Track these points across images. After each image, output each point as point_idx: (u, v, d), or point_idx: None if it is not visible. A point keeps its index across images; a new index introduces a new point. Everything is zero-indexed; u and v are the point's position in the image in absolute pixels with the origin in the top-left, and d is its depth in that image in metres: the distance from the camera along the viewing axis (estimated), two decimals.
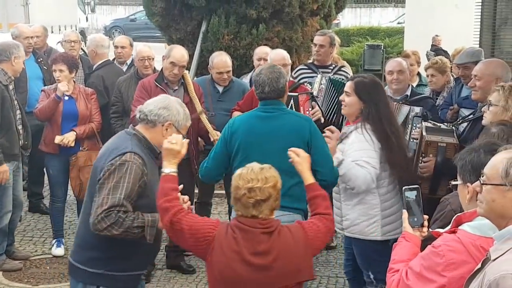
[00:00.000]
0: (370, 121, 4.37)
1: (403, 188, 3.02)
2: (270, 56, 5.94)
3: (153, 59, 6.37)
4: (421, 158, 4.74)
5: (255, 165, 3.18)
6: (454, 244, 2.57)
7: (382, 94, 4.54)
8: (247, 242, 3.12)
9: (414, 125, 5.20)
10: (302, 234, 3.25)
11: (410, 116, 5.33)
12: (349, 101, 4.49)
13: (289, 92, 5.72)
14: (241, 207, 3.13)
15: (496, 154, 2.45)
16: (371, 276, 4.49)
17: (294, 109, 5.60)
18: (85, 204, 3.67)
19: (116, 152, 3.53)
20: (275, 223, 3.17)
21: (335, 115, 6.16)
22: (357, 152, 4.31)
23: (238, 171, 3.19)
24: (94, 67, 7.03)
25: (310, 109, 5.63)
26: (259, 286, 3.15)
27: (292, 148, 3.65)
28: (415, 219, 2.95)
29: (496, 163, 2.38)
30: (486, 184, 2.39)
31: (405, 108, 5.39)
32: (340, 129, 6.13)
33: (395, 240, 3.38)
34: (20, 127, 5.86)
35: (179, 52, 5.68)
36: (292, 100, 5.65)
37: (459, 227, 2.65)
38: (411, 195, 2.98)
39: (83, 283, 3.61)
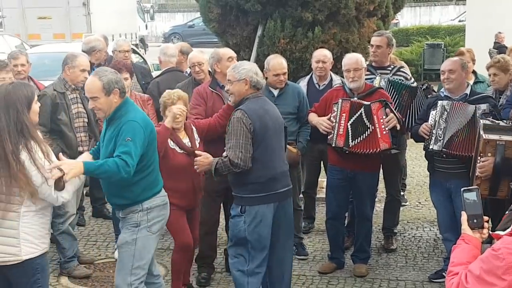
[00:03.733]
0: None
1: (462, 189, 2.95)
2: (344, 61, 5.90)
3: (204, 63, 6.40)
4: (479, 158, 4.61)
5: None
6: None
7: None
8: None
9: None
10: None
11: (477, 115, 5.22)
12: None
13: (364, 98, 5.70)
14: None
15: None
16: None
17: (366, 119, 5.58)
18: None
19: None
20: None
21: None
22: None
23: None
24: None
25: (384, 117, 5.58)
26: None
27: None
28: (475, 221, 2.88)
29: None
30: None
31: (470, 108, 5.28)
32: (408, 129, 6.10)
33: None
34: (83, 134, 6.01)
35: (228, 49, 5.85)
36: (363, 109, 5.61)
37: None
38: (470, 196, 2.91)
39: None
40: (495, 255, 2.53)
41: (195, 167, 4.91)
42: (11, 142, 3.82)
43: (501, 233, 2.74)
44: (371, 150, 5.63)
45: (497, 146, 4.43)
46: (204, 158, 4.87)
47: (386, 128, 5.58)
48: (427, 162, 5.79)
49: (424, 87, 6.24)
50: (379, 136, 5.59)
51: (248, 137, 4.69)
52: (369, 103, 5.63)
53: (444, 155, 5.40)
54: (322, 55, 6.67)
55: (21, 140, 3.85)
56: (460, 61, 5.56)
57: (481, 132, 4.59)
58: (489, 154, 4.48)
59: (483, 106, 5.20)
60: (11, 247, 3.91)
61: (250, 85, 4.86)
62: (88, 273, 6.06)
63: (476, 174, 4.61)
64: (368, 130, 5.61)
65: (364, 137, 5.62)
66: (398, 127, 5.61)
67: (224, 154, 4.77)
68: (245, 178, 4.78)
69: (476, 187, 2.98)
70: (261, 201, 4.80)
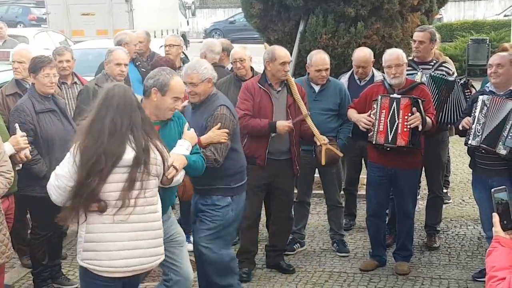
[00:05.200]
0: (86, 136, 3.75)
1: (492, 190, 2.88)
2: (384, 57, 5.82)
3: (246, 60, 6.40)
4: None
5: None
6: None
7: (110, 106, 3.76)
8: None
9: None
10: None
11: None
12: None
13: (405, 93, 5.63)
14: None
15: None
16: None
17: (396, 113, 5.52)
18: None
19: None
20: None
21: (436, 113, 6.00)
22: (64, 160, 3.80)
23: None
24: None
25: (409, 114, 5.50)
26: None
27: None
28: (505, 222, 2.80)
29: None
30: None
31: (509, 104, 5.19)
32: (445, 124, 6.02)
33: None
34: None
35: (284, 51, 5.73)
36: (394, 103, 5.56)
37: None
38: (501, 196, 2.83)
39: None
40: None
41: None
42: (139, 142, 3.73)
43: None
44: (390, 145, 5.58)
45: None
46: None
47: (408, 126, 5.51)
48: (470, 158, 5.71)
49: (462, 81, 6.13)
50: (399, 131, 5.53)
51: (228, 133, 4.83)
52: (399, 97, 5.57)
53: (483, 151, 5.33)
54: (363, 60, 6.52)
55: (149, 138, 3.78)
56: (510, 56, 5.47)
57: None
58: None
59: None
60: (161, 247, 3.93)
61: (212, 82, 4.93)
62: None
63: None
64: (395, 124, 5.56)
65: (393, 131, 5.57)
66: (420, 128, 5.53)
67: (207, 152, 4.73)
68: (230, 169, 4.93)
69: (504, 186, 2.90)
70: (244, 188, 5.10)
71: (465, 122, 5.41)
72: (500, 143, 5.20)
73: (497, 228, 2.80)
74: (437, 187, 6.65)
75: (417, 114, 5.51)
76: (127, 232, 3.71)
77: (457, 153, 9.74)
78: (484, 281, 5.61)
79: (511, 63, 5.37)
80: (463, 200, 7.99)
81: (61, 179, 3.69)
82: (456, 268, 6.03)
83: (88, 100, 5.80)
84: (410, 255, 6.09)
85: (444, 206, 7.05)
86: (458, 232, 6.95)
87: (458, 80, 6.17)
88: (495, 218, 2.81)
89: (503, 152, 5.18)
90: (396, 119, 5.55)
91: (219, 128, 4.78)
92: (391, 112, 5.58)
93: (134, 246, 3.73)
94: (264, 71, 5.77)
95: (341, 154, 5.89)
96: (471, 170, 5.80)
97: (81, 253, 3.77)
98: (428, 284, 5.73)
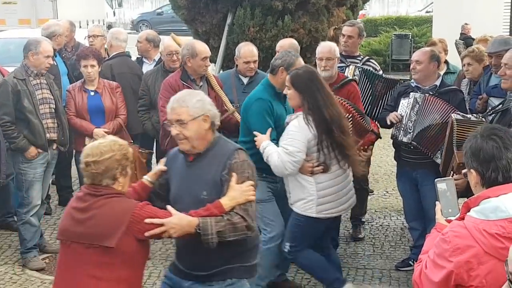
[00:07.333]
0: (310, 111, 4.62)
1: (435, 180, 2.97)
2: (317, 49, 5.83)
3: (180, 52, 6.37)
4: (452, 171, 4.62)
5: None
6: (459, 229, 2.60)
7: (318, 82, 4.69)
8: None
9: None
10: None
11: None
12: (289, 94, 4.73)
13: (338, 89, 5.67)
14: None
15: None
16: (287, 247, 4.93)
17: None
18: None
19: None
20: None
21: (369, 106, 6.11)
22: (286, 139, 4.64)
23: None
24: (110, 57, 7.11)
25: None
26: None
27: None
28: (449, 210, 2.90)
29: None
30: None
31: (452, 114, 5.15)
32: (375, 120, 6.12)
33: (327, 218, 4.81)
34: (50, 120, 5.89)
35: (203, 46, 5.67)
36: None
37: (467, 213, 2.66)
38: (443, 186, 2.93)
39: None
40: (443, 238, 2.62)
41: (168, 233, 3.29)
42: None
43: (452, 218, 2.82)
44: None
45: None
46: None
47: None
48: (394, 151, 5.83)
49: (405, 83, 6.25)
50: None
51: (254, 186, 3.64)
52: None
53: (412, 147, 5.43)
54: (281, 45, 6.44)
55: None
56: (430, 52, 5.52)
57: (455, 150, 4.56)
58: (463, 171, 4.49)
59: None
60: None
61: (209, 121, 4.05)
62: (43, 266, 5.92)
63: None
64: None
65: None
66: None
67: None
68: (251, 239, 3.58)
69: (451, 178, 3.00)
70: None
71: (392, 117, 5.46)
72: (439, 152, 5.23)
73: (438, 216, 2.93)
74: (362, 179, 6.76)
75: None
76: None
77: (381, 146, 9.95)
78: (406, 270, 5.81)
79: (431, 59, 5.43)
80: (387, 192, 8.17)
81: (297, 155, 4.57)
82: (380, 258, 6.17)
83: (7, 94, 5.62)
84: (336, 246, 6.17)
85: (369, 197, 7.19)
86: (382, 223, 7.11)
87: (402, 81, 6.29)
88: (437, 206, 2.94)
89: (439, 161, 5.22)
90: None
91: (241, 182, 3.40)
92: None
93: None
94: (183, 66, 5.69)
95: None
96: (394, 163, 5.94)
97: (315, 207, 4.74)
98: (353, 274, 5.83)
